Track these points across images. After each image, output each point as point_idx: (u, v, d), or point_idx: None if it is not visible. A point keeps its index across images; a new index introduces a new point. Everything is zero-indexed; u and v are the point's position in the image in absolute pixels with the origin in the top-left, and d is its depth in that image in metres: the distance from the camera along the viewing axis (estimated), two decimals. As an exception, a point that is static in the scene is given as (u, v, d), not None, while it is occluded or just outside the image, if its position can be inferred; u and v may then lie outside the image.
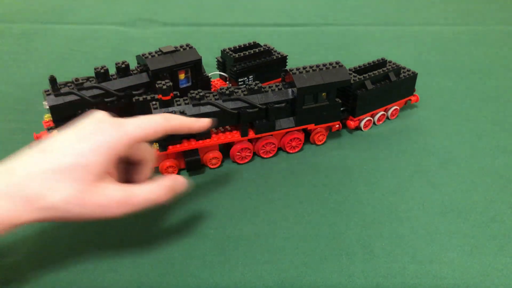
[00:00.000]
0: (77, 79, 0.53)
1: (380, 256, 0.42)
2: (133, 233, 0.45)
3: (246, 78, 0.64)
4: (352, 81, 0.57)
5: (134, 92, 0.55)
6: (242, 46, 0.66)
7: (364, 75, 0.59)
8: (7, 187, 0.31)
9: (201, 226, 0.45)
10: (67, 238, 0.44)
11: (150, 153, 0.40)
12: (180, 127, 0.39)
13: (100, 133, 0.33)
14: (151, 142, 0.50)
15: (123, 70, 0.55)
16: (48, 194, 0.32)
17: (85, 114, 0.36)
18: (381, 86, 0.60)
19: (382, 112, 0.63)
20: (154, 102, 0.50)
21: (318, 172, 0.54)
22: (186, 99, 0.51)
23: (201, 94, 0.51)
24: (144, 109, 0.51)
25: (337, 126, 0.58)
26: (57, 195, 0.32)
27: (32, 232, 0.45)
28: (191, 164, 0.52)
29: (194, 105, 0.50)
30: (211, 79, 0.64)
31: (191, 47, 0.58)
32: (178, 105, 0.50)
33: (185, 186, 0.39)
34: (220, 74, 0.68)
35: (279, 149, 0.58)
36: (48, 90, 0.52)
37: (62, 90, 0.52)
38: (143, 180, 0.40)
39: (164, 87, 0.48)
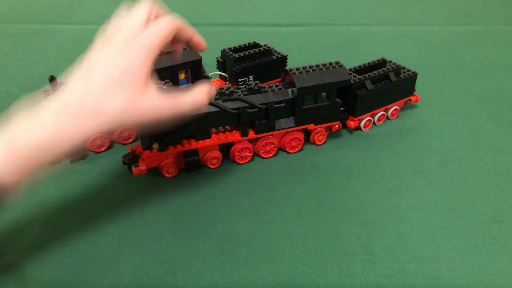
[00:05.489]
0: (77, 79, 0.53)
1: (380, 256, 0.42)
2: (133, 233, 0.45)
3: (246, 78, 0.64)
4: (352, 81, 0.57)
5: (134, 92, 0.55)
6: (242, 46, 0.66)
7: (364, 75, 0.59)
8: (67, 105, 0.34)
9: (201, 226, 0.45)
10: (67, 238, 0.44)
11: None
12: (184, 28, 0.41)
13: (135, 42, 0.35)
14: (152, 141, 0.50)
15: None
16: (106, 104, 0.34)
17: (108, 23, 0.38)
18: (381, 86, 0.60)
19: (382, 112, 0.63)
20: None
21: (318, 172, 0.54)
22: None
23: (201, 94, 0.50)
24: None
25: (337, 126, 0.58)
26: (114, 104, 0.34)
27: (31, 231, 0.45)
28: (191, 164, 0.52)
29: (194, 105, 0.50)
30: (211, 79, 0.64)
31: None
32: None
33: (215, 91, 0.43)
34: (220, 74, 0.68)
35: (279, 149, 0.58)
36: (48, 90, 0.52)
37: (62, 90, 0.51)
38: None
39: (164, 87, 0.48)
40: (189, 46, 0.44)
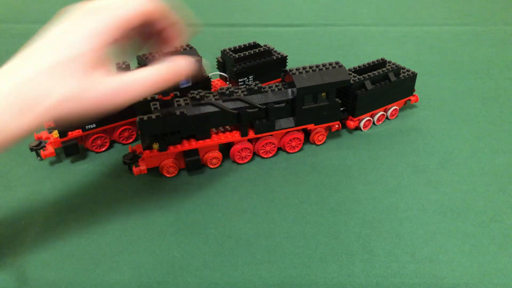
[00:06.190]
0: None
1: (380, 255, 0.42)
2: (133, 233, 0.45)
3: (246, 78, 0.64)
4: (352, 81, 0.57)
5: (134, 92, 0.55)
6: (242, 46, 0.66)
7: (364, 75, 0.59)
8: (4, 96, 0.30)
9: (201, 226, 0.46)
10: (67, 238, 0.44)
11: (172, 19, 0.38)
12: (165, 12, 0.37)
13: (88, 21, 0.32)
14: (152, 141, 0.50)
15: (123, 71, 0.55)
16: (46, 97, 0.30)
17: (64, 10, 0.33)
18: (381, 86, 0.60)
19: (382, 112, 0.63)
20: (154, 102, 0.50)
21: (318, 172, 0.54)
22: (186, 99, 0.51)
23: (201, 94, 0.51)
24: (144, 109, 0.51)
25: (337, 126, 0.58)
26: (54, 97, 0.30)
27: (31, 231, 0.45)
28: (191, 164, 0.52)
29: (194, 105, 0.50)
30: (211, 79, 0.64)
31: (191, 47, 0.58)
32: (178, 105, 0.50)
33: (189, 69, 0.37)
34: (220, 74, 0.68)
35: (279, 149, 0.58)
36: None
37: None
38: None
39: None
40: (163, 37, 0.38)
